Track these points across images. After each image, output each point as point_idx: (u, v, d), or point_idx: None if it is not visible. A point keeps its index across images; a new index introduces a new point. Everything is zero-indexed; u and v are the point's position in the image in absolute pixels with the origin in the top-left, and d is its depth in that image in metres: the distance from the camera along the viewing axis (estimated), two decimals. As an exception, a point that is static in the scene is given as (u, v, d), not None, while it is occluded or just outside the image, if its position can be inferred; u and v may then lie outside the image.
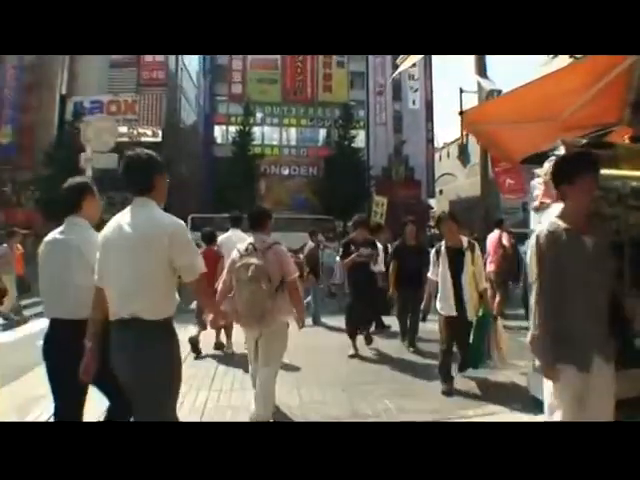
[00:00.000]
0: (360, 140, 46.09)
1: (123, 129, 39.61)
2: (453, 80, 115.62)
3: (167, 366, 2.85)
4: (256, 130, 44.25)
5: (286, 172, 46.67)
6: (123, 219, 3.01)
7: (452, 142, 61.79)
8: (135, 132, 38.89)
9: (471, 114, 5.61)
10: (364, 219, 9.33)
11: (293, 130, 48.80)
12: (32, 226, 35.00)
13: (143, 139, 38.76)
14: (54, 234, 3.47)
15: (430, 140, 51.82)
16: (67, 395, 3.31)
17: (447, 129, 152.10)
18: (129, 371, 2.82)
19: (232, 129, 43.95)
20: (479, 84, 14.14)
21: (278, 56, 46.89)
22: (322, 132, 48.48)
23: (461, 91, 36.41)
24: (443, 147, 61.08)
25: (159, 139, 38.84)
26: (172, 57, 44.33)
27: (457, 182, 59.87)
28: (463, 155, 50.08)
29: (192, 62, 50.68)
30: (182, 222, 3.01)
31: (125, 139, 39.18)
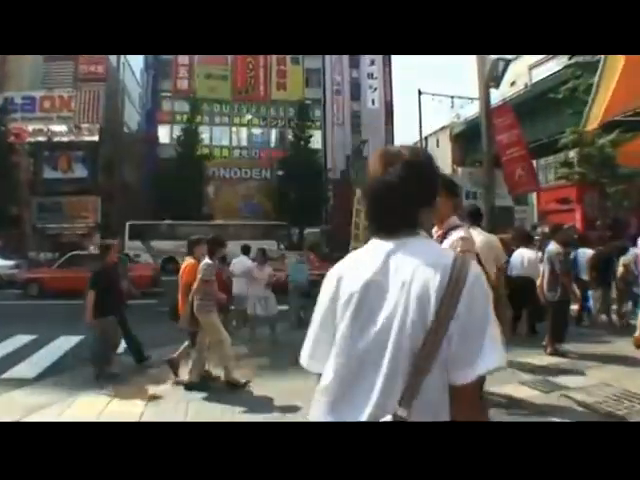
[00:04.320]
0: (316, 141, 46.51)
1: (60, 127, 39.16)
2: (410, 81, 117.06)
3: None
4: (203, 130, 44.35)
5: (236, 175, 46.55)
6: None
7: (411, 145, 62.82)
8: (72, 130, 38.48)
9: (628, 150, 5.76)
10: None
11: (244, 130, 48.81)
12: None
13: (79, 138, 38.41)
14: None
15: (390, 142, 52.61)
16: None
17: (404, 133, 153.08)
18: None
19: (177, 128, 43.77)
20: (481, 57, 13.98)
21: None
22: (275, 132, 48.88)
23: (420, 92, 37.42)
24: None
25: (96, 138, 38.51)
26: (112, 50, 43.94)
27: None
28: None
29: (135, 56, 50.20)
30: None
31: (64, 139, 38.72)
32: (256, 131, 48.98)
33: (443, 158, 57.40)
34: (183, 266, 7.40)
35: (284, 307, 11.22)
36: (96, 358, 7.66)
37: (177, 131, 43.27)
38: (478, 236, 5.49)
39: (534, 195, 41.77)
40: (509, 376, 6.64)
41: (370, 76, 52.02)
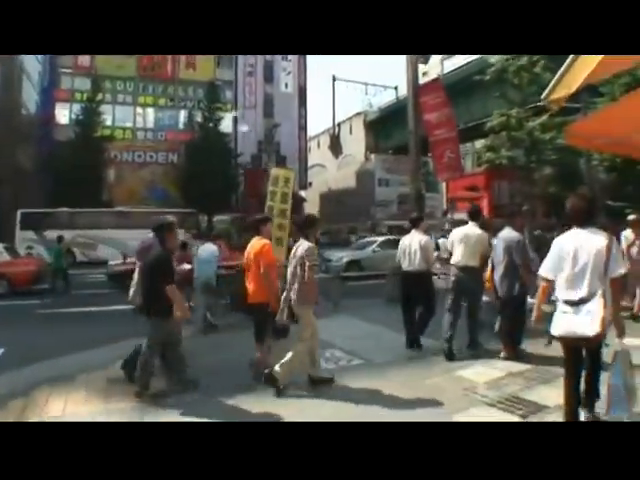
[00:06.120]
0: (227, 124, 45.67)
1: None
2: (324, 66, 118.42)
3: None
4: (105, 109, 42.36)
5: (140, 159, 45.21)
6: (465, 230, 7.67)
7: (322, 132, 63.84)
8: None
9: (575, 130, 6.59)
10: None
11: (150, 110, 47.30)
12: None
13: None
14: (408, 238, 8.10)
15: (303, 127, 52.78)
16: (428, 308, 7.92)
17: (316, 118, 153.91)
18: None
19: (77, 107, 41.53)
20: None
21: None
22: (183, 113, 47.36)
23: (334, 78, 37.69)
24: (313, 137, 62.60)
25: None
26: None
27: (327, 174, 61.95)
28: (335, 146, 51.85)
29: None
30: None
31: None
32: (162, 112, 47.45)
33: (356, 145, 58.67)
34: (257, 248, 6.41)
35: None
36: (179, 366, 6.22)
37: (77, 111, 41.06)
38: (475, 231, 7.58)
39: (443, 183, 43.18)
40: (468, 398, 5.65)
41: (284, 58, 51.76)
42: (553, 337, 4.47)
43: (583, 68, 5.07)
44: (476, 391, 5.86)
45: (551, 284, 4.49)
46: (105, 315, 11.58)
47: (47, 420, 5.11)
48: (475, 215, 7.94)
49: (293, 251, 6.33)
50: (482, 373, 6.55)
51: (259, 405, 5.60)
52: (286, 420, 5.11)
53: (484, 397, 5.65)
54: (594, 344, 4.25)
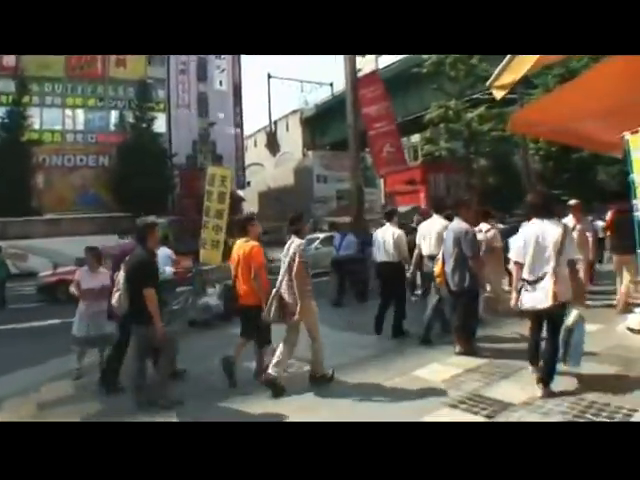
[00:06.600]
0: (160, 124, 44.96)
1: None
2: (259, 64, 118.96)
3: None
4: (33, 111, 40.61)
5: (70, 163, 43.65)
6: (431, 222, 8.43)
7: (259, 130, 63.69)
8: None
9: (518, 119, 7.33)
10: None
11: (79, 112, 45.53)
12: None
13: None
14: (382, 231, 8.63)
15: (239, 126, 52.34)
16: (402, 298, 8.52)
17: (252, 117, 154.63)
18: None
19: (2, 110, 39.29)
20: None
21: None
22: (114, 114, 45.89)
23: (269, 76, 37.51)
24: (249, 136, 62.37)
25: None
26: None
27: (265, 172, 61.88)
28: (272, 144, 51.65)
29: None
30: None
31: None
32: (92, 113, 45.82)
33: (294, 142, 58.75)
34: (246, 250, 6.40)
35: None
36: (162, 379, 6.01)
37: (2, 114, 38.88)
38: (441, 222, 8.10)
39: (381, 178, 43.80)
40: (430, 398, 5.49)
41: (218, 56, 51.16)
42: (521, 311, 5.56)
43: (528, 57, 5.11)
44: (435, 391, 5.71)
45: (521, 266, 5.53)
46: (35, 331, 11.03)
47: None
48: (439, 207, 8.76)
49: (285, 248, 6.33)
50: (439, 371, 6.43)
51: (259, 405, 5.66)
52: (286, 420, 5.15)
53: (444, 397, 5.52)
54: (552, 314, 5.29)
